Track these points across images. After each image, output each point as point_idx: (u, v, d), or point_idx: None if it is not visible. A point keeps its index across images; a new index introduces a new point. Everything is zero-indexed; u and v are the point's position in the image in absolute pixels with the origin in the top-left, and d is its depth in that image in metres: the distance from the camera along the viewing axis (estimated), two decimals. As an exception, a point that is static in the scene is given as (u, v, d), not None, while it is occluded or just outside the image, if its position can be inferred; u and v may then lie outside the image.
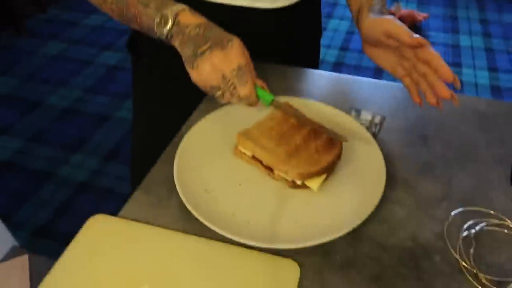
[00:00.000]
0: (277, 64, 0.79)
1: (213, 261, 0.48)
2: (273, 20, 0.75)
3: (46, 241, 1.51)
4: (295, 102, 0.65)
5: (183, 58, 0.55)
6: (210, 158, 0.60)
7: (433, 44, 2.57)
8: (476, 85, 2.28)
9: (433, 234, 0.51)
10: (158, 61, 0.78)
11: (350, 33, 2.67)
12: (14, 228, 1.50)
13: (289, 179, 0.55)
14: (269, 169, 0.57)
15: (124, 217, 0.53)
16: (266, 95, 0.57)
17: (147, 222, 0.53)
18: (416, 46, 0.56)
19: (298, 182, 0.55)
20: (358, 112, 0.69)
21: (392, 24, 0.57)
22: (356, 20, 0.66)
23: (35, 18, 2.80)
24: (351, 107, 0.70)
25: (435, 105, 0.58)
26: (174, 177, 0.55)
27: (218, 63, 0.53)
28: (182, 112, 0.69)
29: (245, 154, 0.59)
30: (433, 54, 0.55)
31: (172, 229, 0.52)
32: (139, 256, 0.48)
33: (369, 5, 0.64)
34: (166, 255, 0.48)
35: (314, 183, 0.55)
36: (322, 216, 0.52)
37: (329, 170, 0.56)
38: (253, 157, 0.58)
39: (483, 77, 2.32)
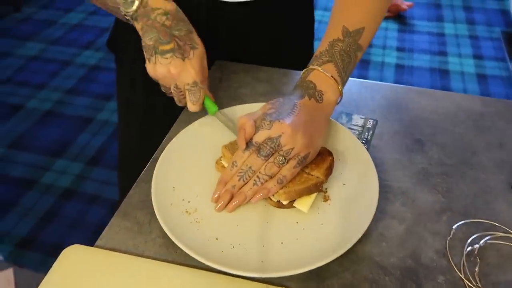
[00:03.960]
0: (263, 63, 0.75)
1: (199, 293, 0.44)
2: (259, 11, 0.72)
3: (31, 252, 1.46)
4: None
5: (142, 43, 0.54)
6: (191, 175, 0.55)
7: (418, 33, 2.57)
8: (462, 73, 2.26)
9: (435, 251, 0.48)
10: (141, 60, 0.74)
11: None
12: (-3, 241, 1.46)
13: (274, 199, 0.51)
14: None
15: (101, 247, 0.49)
16: (211, 106, 0.59)
17: (126, 251, 0.48)
18: None
19: (284, 203, 0.51)
20: (349, 116, 0.66)
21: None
22: None
23: (10, 18, 2.70)
24: (341, 111, 0.66)
25: None
26: (152, 199, 0.51)
27: (175, 74, 0.54)
28: (170, 117, 0.66)
29: None
30: None
31: (154, 257, 0.48)
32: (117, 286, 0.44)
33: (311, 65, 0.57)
34: (146, 286, 0.44)
35: (303, 205, 0.50)
36: (313, 237, 0.48)
37: (318, 187, 0.52)
38: None
39: (469, 65, 2.31)
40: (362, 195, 0.52)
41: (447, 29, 2.61)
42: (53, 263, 0.47)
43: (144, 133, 0.81)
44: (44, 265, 1.39)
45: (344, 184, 0.54)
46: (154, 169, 0.54)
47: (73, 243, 0.49)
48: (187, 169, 0.56)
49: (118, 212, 0.53)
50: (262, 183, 0.50)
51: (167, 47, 0.52)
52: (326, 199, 0.52)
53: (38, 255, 1.44)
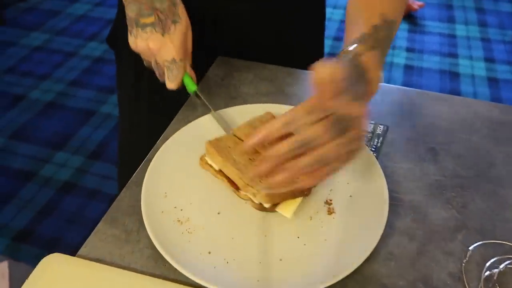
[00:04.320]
0: (269, 61, 0.71)
1: (188, 312, 0.40)
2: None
3: (28, 246, 1.43)
4: (281, 110, 0.53)
5: (126, 15, 0.53)
6: (185, 181, 0.52)
7: (428, 33, 2.51)
8: (473, 76, 2.20)
9: (449, 274, 0.44)
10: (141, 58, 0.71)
11: (344, 22, 2.57)
12: (-6, 232, 1.43)
13: (256, 201, 0.47)
14: (235, 186, 0.49)
15: (84, 256, 0.45)
16: (190, 84, 0.57)
17: (111, 262, 0.45)
18: None
19: (266, 206, 0.47)
20: (358, 121, 0.61)
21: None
22: None
23: (16, 7, 2.67)
24: (350, 115, 0.62)
25: None
26: (142, 206, 0.47)
27: (154, 49, 0.52)
28: (173, 114, 0.63)
29: (211, 166, 0.51)
30: None
31: (141, 270, 0.44)
32: (100, 308, 0.40)
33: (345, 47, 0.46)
34: (132, 305, 0.40)
35: (287, 210, 0.46)
36: (316, 254, 0.44)
37: (303, 191, 0.48)
38: (220, 171, 0.51)
39: (480, 68, 2.25)
40: (370, 208, 0.48)
41: (459, 30, 2.54)
42: None
43: (145, 131, 0.77)
44: (40, 260, 1.37)
45: (350, 196, 0.50)
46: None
47: (71, 238, 0.46)
48: (181, 174, 0.52)
49: (106, 217, 0.49)
50: (323, 166, 0.39)
51: (147, 20, 0.51)
52: (330, 211, 0.48)
53: (35, 249, 1.42)
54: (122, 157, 0.85)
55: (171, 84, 0.55)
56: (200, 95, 0.58)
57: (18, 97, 2.02)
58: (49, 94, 2.04)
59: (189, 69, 0.57)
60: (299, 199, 0.47)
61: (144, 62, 0.58)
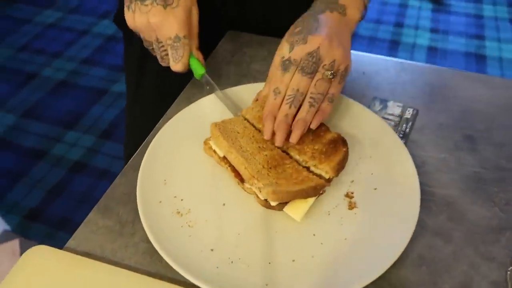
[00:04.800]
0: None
1: (185, 319, 0.35)
2: None
3: (39, 225, 1.42)
4: None
5: None
6: (186, 167, 0.46)
7: (454, 13, 2.37)
8: (500, 59, 2.08)
9: (492, 283, 0.37)
10: None
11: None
12: (5, 210, 1.42)
13: (261, 197, 0.41)
14: (240, 177, 0.43)
15: (73, 249, 0.40)
16: (198, 67, 0.51)
17: (102, 257, 0.40)
18: None
19: (273, 204, 0.41)
20: (383, 103, 0.54)
21: None
22: None
23: (29, -16, 2.63)
24: (374, 97, 0.55)
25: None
26: (137, 194, 0.41)
27: (155, 24, 0.47)
28: (177, 95, 0.58)
29: (215, 152, 0.45)
30: None
31: (134, 267, 0.39)
32: (86, 309, 0.35)
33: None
34: (122, 308, 0.35)
35: (296, 211, 0.40)
36: (334, 256, 0.38)
37: (318, 191, 0.41)
38: (225, 158, 0.45)
39: (508, 51, 2.12)
40: (398, 203, 0.41)
41: (486, 11, 2.40)
42: (60, 237, 0.39)
43: (151, 112, 0.72)
44: (51, 239, 1.35)
45: (375, 189, 0.43)
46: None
47: (80, 218, 0.43)
48: (183, 159, 0.46)
49: (98, 206, 0.44)
50: (318, 104, 0.44)
51: None
52: (351, 206, 0.42)
53: (46, 227, 1.41)
54: (129, 139, 0.81)
55: (176, 65, 0.49)
56: (209, 79, 0.52)
57: (31, 75, 2.00)
58: (61, 72, 2.02)
59: (195, 51, 0.51)
60: (311, 200, 0.40)
61: (144, 43, 0.52)
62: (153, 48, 0.51)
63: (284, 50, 0.45)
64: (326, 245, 0.39)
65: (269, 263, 0.38)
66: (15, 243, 1.30)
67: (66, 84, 1.95)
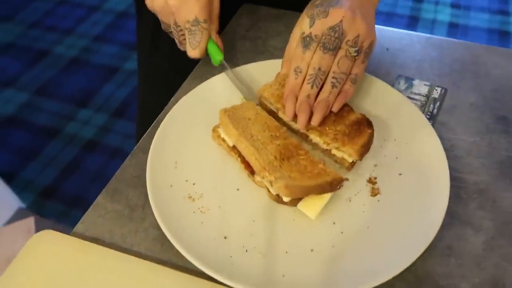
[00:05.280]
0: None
1: (197, 310, 0.33)
2: None
3: (53, 203, 1.44)
4: None
5: None
6: (199, 149, 0.43)
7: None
8: (526, 37, 1.99)
9: (526, 279, 0.34)
10: None
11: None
12: (19, 188, 1.42)
13: (273, 191, 0.38)
14: (250, 169, 0.40)
15: (81, 234, 0.39)
16: (215, 54, 0.48)
17: (110, 244, 0.38)
18: None
19: (285, 200, 0.37)
20: (409, 82, 0.51)
21: None
22: None
23: (39, -41, 2.58)
24: (399, 75, 0.51)
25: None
26: (147, 178, 0.39)
27: (173, 6, 0.44)
28: (190, 72, 0.55)
29: (224, 140, 0.42)
30: None
31: (144, 254, 0.37)
32: (94, 298, 0.34)
33: None
34: (132, 296, 0.34)
35: (311, 208, 0.37)
36: (356, 246, 0.36)
37: (335, 186, 0.37)
38: (234, 147, 0.42)
39: (535, 29, 2.02)
40: (424, 190, 0.38)
41: (511, -17, 2.28)
42: (74, 214, 0.38)
43: (163, 90, 0.70)
44: (65, 216, 1.37)
45: (400, 174, 0.40)
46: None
47: (93, 197, 0.41)
48: (195, 141, 0.44)
49: (107, 189, 0.42)
50: (341, 84, 0.41)
51: None
52: (375, 192, 0.39)
53: (60, 205, 1.42)
54: (141, 118, 0.78)
55: (193, 52, 0.46)
56: (227, 66, 0.49)
57: (42, 52, 1.99)
58: (73, 49, 2.00)
59: (215, 35, 0.48)
60: (327, 196, 0.37)
61: (162, 26, 0.49)
62: (171, 31, 0.48)
63: (304, 24, 0.42)
64: (347, 234, 0.36)
65: (286, 252, 0.35)
66: (30, 221, 1.31)
67: (78, 62, 1.94)
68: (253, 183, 0.40)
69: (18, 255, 0.37)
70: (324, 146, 0.41)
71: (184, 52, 0.48)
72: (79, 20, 2.17)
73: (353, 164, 0.40)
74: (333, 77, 0.41)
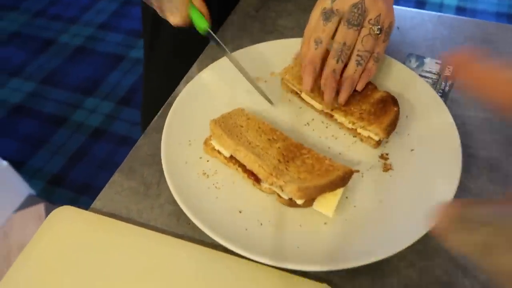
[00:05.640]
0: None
1: (213, 279, 0.34)
2: None
3: (62, 190, 1.45)
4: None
5: None
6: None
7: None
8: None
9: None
10: None
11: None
12: (29, 176, 1.44)
13: (285, 196, 0.37)
14: (255, 177, 0.38)
15: (98, 210, 0.40)
16: (199, 21, 0.44)
17: (128, 219, 0.39)
18: None
19: (299, 202, 0.36)
20: (420, 60, 0.51)
21: None
22: None
23: None
24: (410, 53, 0.51)
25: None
26: (162, 155, 0.40)
27: None
28: (194, 57, 0.54)
29: (219, 152, 0.40)
30: None
31: (161, 228, 0.38)
32: (113, 265, 0.35)
33: None
34: (149, 265, 0.35)
35: (327, 206, 0.36)
36: (369, 219, 0.36)
37: (346, 180, 0.36)
38: (232, 158, 0.40)
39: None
40: (436, 165, 0.39)
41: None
42: (83, 201, 0.38)
43: (167, 74, 0.70)
44: (74, 203, 1.38)
45: (412, 150, 0.41)
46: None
47: (101, 184, 0.42)
48: (207, 120, 0.44)
49: (122, 167, 0.43)
50: (365, 62, 0.41)
51: None
52: (387, 168, 0.40)
53: (68, 192, 1.44)
54: (146, 103, 0.79)
55: (174, 19, 0.43)
56: (215, 36, 0.45)
57: (48, 41, 1.99)
58: (78, 38, 2.00)
59: (198, 1, 0.45)
60: (339, 191, 0.36)
61: None
62: (154, 5, 0.45)
63: (325, 2, 0.42)
64: (360, 208, 0.37)
65: (300, 225, 0.36)
66: (40, 208, 1.33)
67: (83, 50, 1.94)
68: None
69: (38, 230, 0.38)
70: (350, 126, 0.41)
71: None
72: (84, 9, 2.16)
73: (379, 142, 0.40)
74: (357, 55, 0.40)
